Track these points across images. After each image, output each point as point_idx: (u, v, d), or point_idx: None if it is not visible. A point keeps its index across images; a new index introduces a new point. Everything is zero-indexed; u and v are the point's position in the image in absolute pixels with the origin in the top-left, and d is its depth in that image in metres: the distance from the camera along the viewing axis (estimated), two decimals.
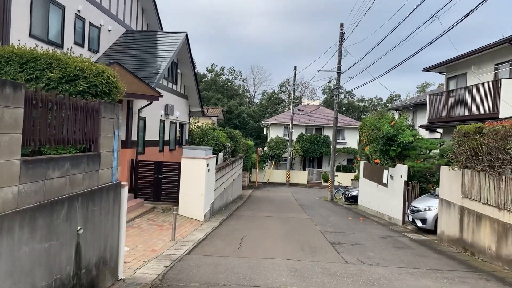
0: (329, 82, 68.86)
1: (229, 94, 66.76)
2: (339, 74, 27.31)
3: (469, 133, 10.07)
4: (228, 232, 11.98)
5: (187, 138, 22.28)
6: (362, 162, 21.98)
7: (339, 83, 27.22)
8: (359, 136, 45.43)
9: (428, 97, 22.32)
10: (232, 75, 72.61)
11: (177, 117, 19.73)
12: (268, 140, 44.85)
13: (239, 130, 32.58)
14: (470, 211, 10.26)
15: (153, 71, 15.19)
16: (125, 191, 6.36)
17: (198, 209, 13.49)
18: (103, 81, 5.66)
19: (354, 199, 23.96)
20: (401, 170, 15.80)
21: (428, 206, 13.30)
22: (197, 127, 22.10)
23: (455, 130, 10.97)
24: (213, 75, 70.45)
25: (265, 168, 41.41)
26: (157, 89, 14.01)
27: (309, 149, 42.51)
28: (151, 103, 13.93)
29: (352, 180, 31.54)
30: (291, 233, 12.31)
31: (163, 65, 15.65)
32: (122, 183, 6.30)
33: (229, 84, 71.12)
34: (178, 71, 19.64)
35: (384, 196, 17.85)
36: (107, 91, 5.80)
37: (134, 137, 14.13)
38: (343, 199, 25.79)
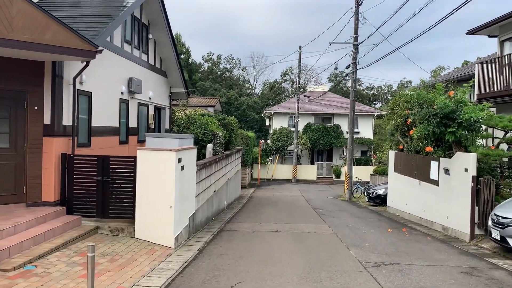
0: (335, 69, 63.93)
1: (227, 84, 61.67)
2: (356, 46, 22.28)
3: None
4: (208, 274, 7.06)
5: (167, 127, 17.37)
6: (392, 153, 17.07)
7: (356, 57, 22.22)
8: (378, 121, 40.48)
9: (476, 66, 17.29)
10: (230, 64, 67.44)
11: (150, 98, 14.83)
12: (271, 131, 39.83)
13: (240, 122, 27.63)
14: None
15: (99, 24, 10.28)
16: None
17: (166, 229, 8.62)
18: None
19: (380, 199, 19.09)
20: (465, 161, 10.85)
21: None
22: (185, 115, 17.25)
23: None
24: (209, 64, 65.31)
25: (269, 163, 36.44)
26: (111, 52, 9.18)
27: (318, 141, 37.54)
28: (87, 64, 8.99)
29: (371, 174, 26.61)
30: (314, 271, 7.41)
31: (115, 15, 10.73)
32: None
33: (227, 73, 65.97)
34: (150, 36, 14.72)
35: (432, 197, 12.95)
36: None
37: (67, 121, 9.25)
38: (366, 199, 20.90)
